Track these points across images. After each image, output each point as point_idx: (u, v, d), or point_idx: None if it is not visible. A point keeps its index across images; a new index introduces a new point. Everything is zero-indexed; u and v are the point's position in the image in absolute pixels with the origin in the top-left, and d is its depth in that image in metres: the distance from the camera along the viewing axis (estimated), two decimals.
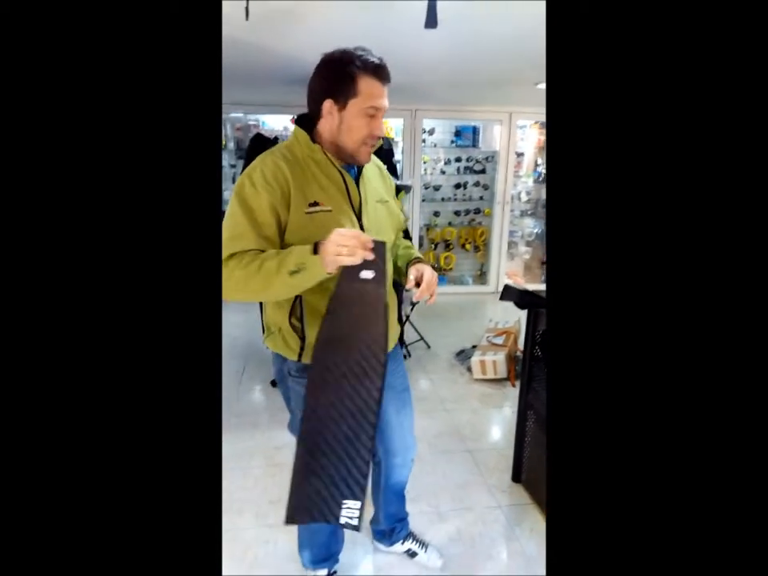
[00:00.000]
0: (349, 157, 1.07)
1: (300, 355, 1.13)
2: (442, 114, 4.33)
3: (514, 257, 5.37)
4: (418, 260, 1.22)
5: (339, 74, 1.00)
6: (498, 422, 2.60)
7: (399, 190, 2.81)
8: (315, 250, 0.92)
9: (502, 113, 4.44)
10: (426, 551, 1.65)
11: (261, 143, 2.88)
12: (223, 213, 1.05)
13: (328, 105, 1.03)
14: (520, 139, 5.06)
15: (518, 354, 3.09)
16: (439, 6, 1.68)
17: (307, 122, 1.09)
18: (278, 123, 4.67)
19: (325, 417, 1.03)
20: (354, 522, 1.04)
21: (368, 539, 1.74)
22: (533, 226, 5.36)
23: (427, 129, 4.62)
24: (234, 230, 1.00)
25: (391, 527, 1.64)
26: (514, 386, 2.90)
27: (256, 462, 2.18)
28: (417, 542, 1.68)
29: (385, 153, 2.89)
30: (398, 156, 4.69)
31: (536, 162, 5.32)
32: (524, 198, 5.31)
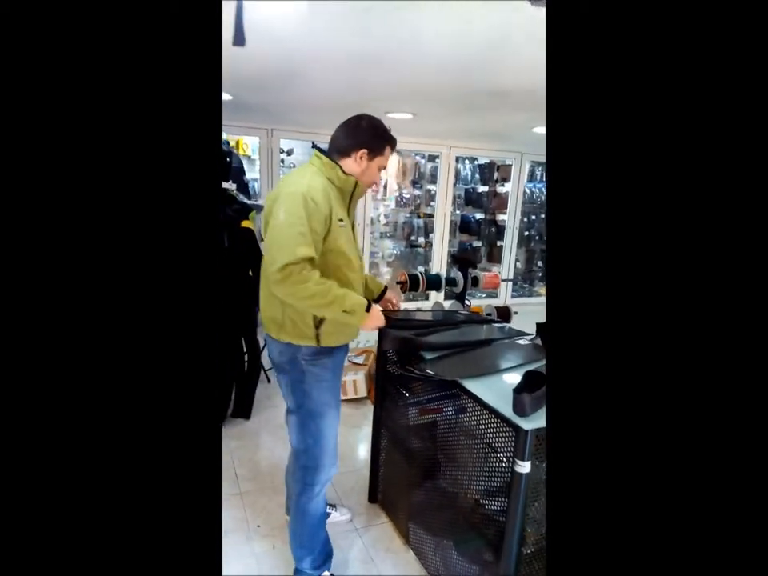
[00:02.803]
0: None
1: (318, 340, 1.43)
2: (299, 134, 4.33)
3: (377, 277, 5.53)
4: (386, 288, 1.81)
5: (379, 138, 1.46)
6: (358, 442, 2.59)
7: (250, 210, 2.71)
8: (368, 309, 1.40)
9: None
10: (336, 510, 1.96)
11: None
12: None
13: (362, 152, 1.44)
14: None
15: None
16: (292, 22, 1.67)
17: (323, 152, 1.48)
18: None
19: None
20: None
21: None
22: (392, 248, 5.60)
23: (285, 149, 4.58)
24: (301, 234, 1.29)
25: None
26: (373, 403, 2.94)
27: None
28: (327, 504, 1.81)
29: (235, 171, 2.77)
30: (255, 174, 4.56)
31: (394, 186, 5.61)
32: (383, 220, 5.53)
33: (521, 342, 1.71)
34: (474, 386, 1.39)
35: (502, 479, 1.35)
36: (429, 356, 1.57)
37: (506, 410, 1.24)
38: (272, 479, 2.16)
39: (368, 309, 1.40)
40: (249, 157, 4.79)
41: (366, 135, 1.45)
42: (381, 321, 1.46)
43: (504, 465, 1.34)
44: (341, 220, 1.40)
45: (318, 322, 1.41)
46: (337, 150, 1.47)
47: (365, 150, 1.44)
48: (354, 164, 1.45)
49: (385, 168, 1.52)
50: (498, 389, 1.37)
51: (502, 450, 1.34)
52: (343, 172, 1.44)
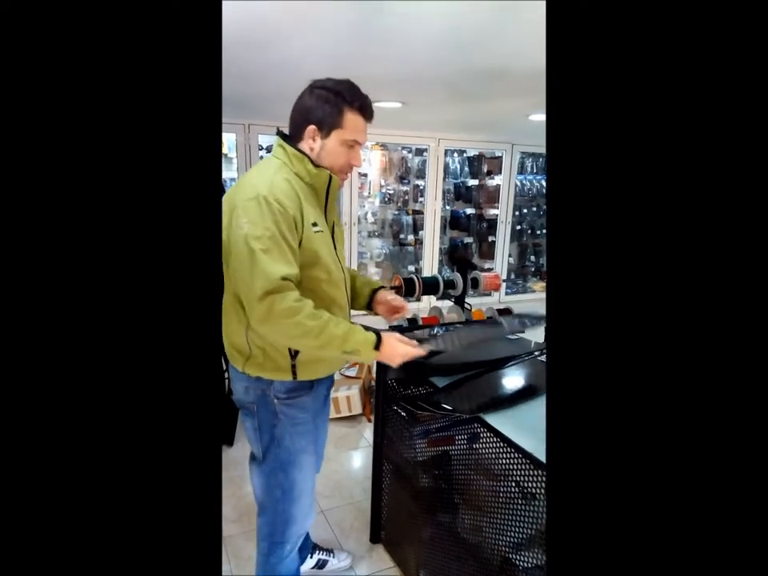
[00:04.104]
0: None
1: (295, 374, 1.14)
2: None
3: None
4: (382, 287, 1.41)
5: (329, 105, 1.08)
6: (355, 468, 2.35)
7: None
8: (377, 346, 1.08)
9: None
10: (334, 556, 1.68)
11: None
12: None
13: (311, 130, 1.10)
14: (363, 159, 5.03)
15: (373, 383, 2.91)
16: (265, 18, 1.42)
17: (285, 139, 1.15)
18: None
19: None
20: None
21: None
22: (381, 247, 5.35)
23: (264, 145, 4.29)
24: (271, 249, 1.02)
25: (301, 546, 1.53)
26: (369, 420, 2.70)
27: None
28: (322, 550, 1.69)
29: None
30: (232, 174, 4.27)
31: (380, 183, 5.35)
32: (370, 218, 5.28)
33: (543, 358, 1.48)
34: (499, 420, 1.16)
35: (537, 529, 1.13)
36: (440, 383, 1.33)
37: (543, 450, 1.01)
38: None
39: (378, 344, 1.08)
40: (225, 155, 4.49)
41: (309, 104, 1.10)
42: (403, 351, 1.10)
43: (541, 514, 1.11)
44: (315, 224, 1.11)
45: (296, 351, 1.13)
46: (291, 134, 1.15)
47: (313, 126, 1.10)
48: (307, 148, 1.12)
49: (358, 143, 1.13)
50: (525, 420, 1.14)
51: (537, 493, 1.11)
52: (313, 164, 1.12)
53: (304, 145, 1.13)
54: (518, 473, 1.12)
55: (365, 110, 1.13)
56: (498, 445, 1.17)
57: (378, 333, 1.09)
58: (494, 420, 1.16)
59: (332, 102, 1.08)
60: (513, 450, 1.10)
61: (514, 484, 1.18)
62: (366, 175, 5.24)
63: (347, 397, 2.68)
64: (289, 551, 1.31)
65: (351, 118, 1.10)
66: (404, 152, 5.27)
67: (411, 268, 5.35)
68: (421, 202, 5.15)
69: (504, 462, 1.16)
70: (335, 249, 1.20)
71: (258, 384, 1.16)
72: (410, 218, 5.35)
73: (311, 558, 1.66)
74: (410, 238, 5.37)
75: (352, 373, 2.92)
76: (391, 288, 2.80)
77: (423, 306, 4.52)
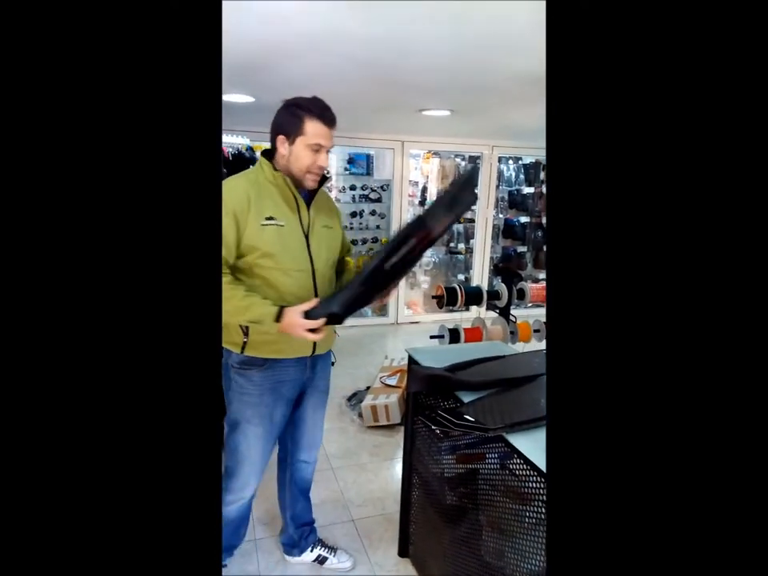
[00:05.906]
0: (298, 182, 1.32)
1: (243, 349, 1.33)
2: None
3: (414, 286, 5.26)
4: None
5: (292, 116, 1.27)
6: (390, 478, 2.32)
7: None
8: (278, 318, 1.23)
9: (394, 141, 4.35)
10: (335, 555, 1.72)
11: None
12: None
13: (280, 139, 1.30)
14: (414, 168, 5.04)
15: None
16: (310, 24, 1.46)
17: (269, 154, 1.36)
18: None
19: None
20: None
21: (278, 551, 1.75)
22: (430, 255, 5.31)
23: None
24: None
25: (299, 534, 1.70)
26: None
27: None
28: (326, 547, 1.73)
29: None
30: None
31: (435, 191, 5.32)
32: None
33: None
34: (525, 439, 1.10)
35: None
36: (466, 398, 1.28)
37: None
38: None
39: (278, 317, 1.23)
40: None
41: (278, 118, 1.30)
42: (299, 325, 1.22)
43: None
44: (270, 218, 1.27)
45: (246, 328, 1.31)
46: (271, 146, 1.34)
47: (282, 136, 1.29)
48: (281, 154, 1.31)
49: (321, 146, 1.28)
50: None
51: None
52: (274, 168, 1.31)
53: (279, 154, 1.31)
54: (541, 496, 1.06)
55: (323, 117, 1.26)
56: (521, 466, 1.11)
57: (282, 307, 1.23)
58: (520, 439, 1.10)
59: (294, 114, 1.26)
60: (535, 474, 1.04)
61: (537, 508, 1.11)
62: (416, 183, 5.24)
63: (385, 405, 2.67)
64: (230, 501, 1.47)
65: (311, 125, 1.25)
66: (457, 159, 5.22)
67: (461, 277, 5.27)
68: (473, 209, 5.06)
69: (528, 484, 1.10)
70: (308, 243, 1.33)
71: (223, 352, 1.38)
72: (461, 226, 5.28)
73: (311, 551, 1.71)
74: (461, 246, 5.29)
75: (392, 382, 2.90)
76: (433, 297, 2.76)
77: (471, 315, 4.42)
